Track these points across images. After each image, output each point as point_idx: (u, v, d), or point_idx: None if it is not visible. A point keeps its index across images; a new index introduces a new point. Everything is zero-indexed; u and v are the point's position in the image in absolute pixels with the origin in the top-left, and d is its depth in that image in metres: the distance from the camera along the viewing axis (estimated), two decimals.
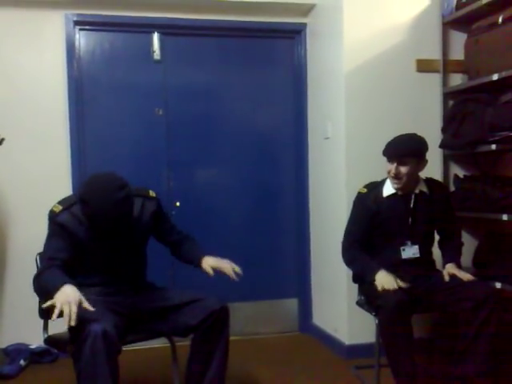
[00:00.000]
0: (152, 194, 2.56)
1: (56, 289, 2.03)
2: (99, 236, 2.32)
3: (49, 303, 2.01)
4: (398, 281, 2.54)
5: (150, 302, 2.42)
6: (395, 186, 2.75)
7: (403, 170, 2.68)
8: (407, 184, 2.74)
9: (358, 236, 2.82)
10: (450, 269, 2.74)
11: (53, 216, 2.33)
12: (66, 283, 2.06)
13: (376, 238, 2.82)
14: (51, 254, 2.28)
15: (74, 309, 1.97)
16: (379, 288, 2.53)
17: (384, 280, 2.55)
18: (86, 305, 2.03)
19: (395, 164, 2.68)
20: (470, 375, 2.53)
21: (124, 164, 3.61)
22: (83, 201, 2.23)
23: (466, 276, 2.66)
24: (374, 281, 2.59)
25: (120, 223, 2.27)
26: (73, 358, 2.12)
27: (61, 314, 1.98)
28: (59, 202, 2.37)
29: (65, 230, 2.30)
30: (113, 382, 2.07)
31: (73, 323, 1.95)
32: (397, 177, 2.70)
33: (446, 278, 2.70)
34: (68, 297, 1.99)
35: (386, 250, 2.76)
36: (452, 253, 2.87)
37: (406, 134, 2.75)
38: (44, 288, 2.14)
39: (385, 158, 2.78)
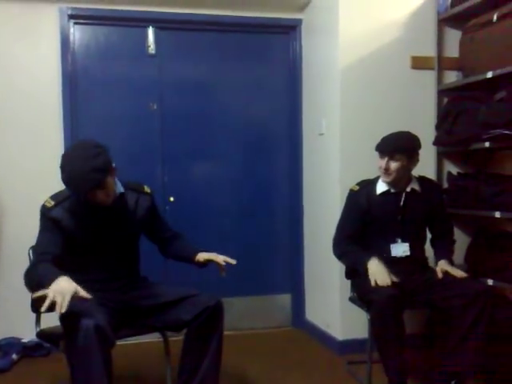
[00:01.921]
0: (147, 189, 2.56)
1: (50, 281, 2.01)
2: (92, 227, 2.32)
3: (40, 293, 1.98)
4: (391, 275, 2.55)
5: (143, 298, 2.42)
6: (385, 179, 2.77)
7: (393, 165, 2.70)
8: (397, 180, 2.75)
9: (349, 233, 2.84)
10: (443, 266, 2.75)
11: (45, 211, 2.32)
12: (60, 275, 2.04)
13: (368, 235, 2.83)
14: (43, 248, 2.27)
15: (68, 297, 1.93)
16: (372, 283, 2.54)
17: (377, 273, 2.56)
18: (83, 293, 2.01)
19: (386, 159, 2.71)
20: (462, 371, 2.55)
21: (118, 158, 3.53)
22: (61, 168, 2.20)
23: (458, 273, 2.67)
24: (367, 270, 2.59)
25: (95, 195, 2.21)
26: (66, 353, 2.11)
27: (51, 308, 1.95)
28: (51, 197, 2.36)
29: (57, 224, 2.29)
30: (106, 376, 2.07)
31: (63, 310, 1.91)
32: (387, 172, 2.73)
33: (439, 275, 2.71)
34: (62, 288, 1.97)
35: (377, 247, 2.77)
36: (444, 250, 2.88)
37: (400, 132, 2.77)
38: (37, 281, 2.11)
39: (378, 154, 2.79)
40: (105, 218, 2.37)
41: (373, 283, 2.54)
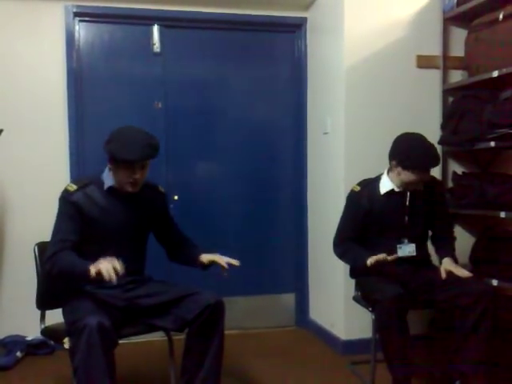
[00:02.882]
0: (161, 189, 2.65)
1: (86, 269, 2.10)
2: (110, 216, 2.37)
3: (93, 272, 2.08)
4: (386, 255, 2.54)
5: (146, 297, 2.42)
6: (410, 189, 2.71)
7: (427, 178, 2.69)
8: None
9: (349, 234, 2.82)
10: (447, 265, 2.72)
11: (67, 195, 2.34)
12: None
13: (372, 235, 2.81)
14: (63, 235, 2.30)
15: (116, 264, 2.08)
16: (372, 264, 2.51)
17: (375, 257, 2.53)
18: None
19: (420, 176, 2.62)
20: (466, 372, 2.54)
21: None
22: (113, 138, 2.32)
23: (463, 273, 2.65)
24: (366, 266, 2.56)
25: (137, 171, 2.31)
26: (69, 353, 2.12)
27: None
28: (73, 182, 2.41)
29: (78, 209, 2.32)
30: (109, 375, 2.08)
31: (119, 273, 2.08)
32: (418, 186, 2.68)
33: (443, 275, 2.68)
34: (107, 262, 2.10)
35: (382, 248, 2.72)
36: (447, 248, 2.85)
37: (426, 143, 2.65)
38: (70, 268, 2.20)
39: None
40: (123, 208, 2.42)
41: (368, 264, 2.52)
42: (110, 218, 2.38)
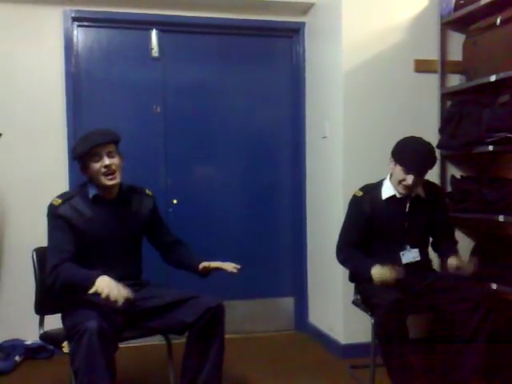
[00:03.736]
0: (149, 192, 2.63)
1: (92, 280, 2.13)
2: (98, 226, 2.37)
3: (93, 290, 2.11)
4: (395, 268, 2.53)
5: (146, 300, 2.42)
6: (404, 192, 2.72)
7: (419, 180, 2.68)
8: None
9: (352, 239, 2.81)
10: (454, 260, 2.67)
11: (53, 209, 2.36)
12: (100, 274, 2.16)
13: (374, 242, 2.81)
14: (60, 247, 2.30)
15: (119, 291, 2.11)
16: (377, 282, 2.52)
17: (381, 273, 2.54)
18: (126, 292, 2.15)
19: (412, 176, 2.62)
20: (466, 376, 2.54)
21: None
22: (80, 138, 2.47)
23: (470, 267, 2.65)
24: (371, 277, 2.57)
25: (104, 155, 2.37)
26: (70, 357, 2.11)
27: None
28: (58, 196, 2.41)
29: (66, 222, 2.33)
30: (110, 379, 2.08)
31: (120, 304, 2.10)
32: (411, 188, 2.68)
33: (452, 269, 2.66)
34: (110, 283, 2.13)
35: (385, 255, 2.72)
36: (450, 250, 2.83)
37: (422, 144, 2.67)
38: (73, 280, 2.21)
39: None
40: (110, 216, 2.42)
41: (379, 282, 2.52)
42: (98, 228, 2.38)
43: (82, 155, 2.37)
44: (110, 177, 2.37)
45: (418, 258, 2.76)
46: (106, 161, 2.35)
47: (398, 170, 2.66)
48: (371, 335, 2.74)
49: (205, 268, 2.50)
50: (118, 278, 2.39)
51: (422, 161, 2.64)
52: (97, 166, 2.35)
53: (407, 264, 2.74)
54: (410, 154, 2.64)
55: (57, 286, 2.25)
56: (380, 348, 2.55)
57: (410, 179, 2.63)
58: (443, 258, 2.87)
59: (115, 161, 2.39)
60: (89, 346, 2.02)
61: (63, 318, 2.34)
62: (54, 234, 2.34)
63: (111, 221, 2.42)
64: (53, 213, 2.35)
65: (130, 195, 2.51)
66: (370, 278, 2.58)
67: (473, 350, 2.50)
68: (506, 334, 2.87)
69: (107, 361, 2.06)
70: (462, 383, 2.55)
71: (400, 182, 2.68)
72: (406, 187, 2.68)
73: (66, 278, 2.23)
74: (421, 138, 2.72)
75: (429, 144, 2.70)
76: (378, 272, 2.55)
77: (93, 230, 2.37)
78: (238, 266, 2.47)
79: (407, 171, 2.63)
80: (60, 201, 2.37)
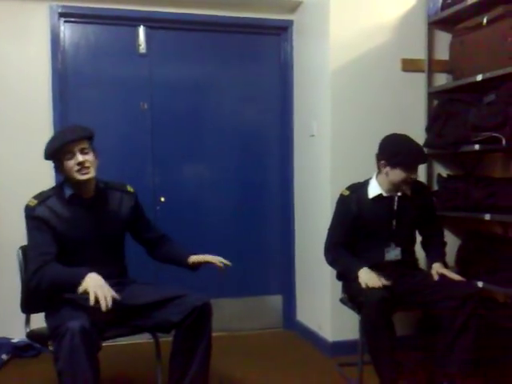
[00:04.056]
0: (130, 188, 2.58)
1: (80, 278, 2.11)
2: (76, 226, 2.34)
3: (81, 290, 2.10)
4: (382, 278, 2.56)
5: (132, 299, 2.39)
6: (404, 190, 2.75)
7: (415, 176, 2.71)
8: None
9: (340, 238, 2.82)
10: (439, 268, 2.75)
11: (29, 210, 2.32)
12: (88, 272, 2.14)
13: (360, 239, 2.82)
14: (41, 249, 2.26)
15: (109, 292, 2.08)
16: (363, 285, 2.55)
17: (367, 277, 2.56)
18: (113, 293, 2.12)
19: (408, 173, 2.66)
20: (452, 373, 2.56)
21: (108, 158, 3.53)
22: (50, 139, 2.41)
23: (456, 277, 2.68)
24: (357, 278, 2.59)
25: (77, 152, 2.33)
26: (53, 357, 2.09)
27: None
28: (34, 197, 2.36)
29: (44, 223, 2.29)
30: (93, 379, 2.06)
31: (109, 305, 2.06)
32: (409, 183, 2.71)
33: (435, 277, 2.71)
34: (98, 282, 2.11)
35: (370, 252, 2.76)
36: (437, 252, 2.88)
37: (413, 141, 2.72)
38: (62, 281, 2.19)
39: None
40: (88, 216, 2.38)
41: (363, 286, 2.54)
42: (76, 229, 2.34)
43: (53, 154, 2.32)
44: (82, 172, 2.32)
45: (399, 257, 2.79)
46: (80, 157, 2.30)
47: (398, 172, 2.67)
48: (359, 333, 2.75)
49: (193, 263, 2.49)
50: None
51: (420, 157, 2.70)
52: (70, 163, 2.30)
53: (391, 261, 2.76)
54: (408, 152, 2.66)
55: (43, 288, 2.22)
56: (367, 345, 2.57)
57: (414, 175, 2.68)
58: (429, 261, 2.90)
59: (88, 157, 2.34)
60: (71, 346, 2.00)
61: (46, 318, 2.33)
62: (34, 235, 2.30)
63: (89, 221, 2.38)
64: (30, 214, 2.31)
65: (109, 193, 2.47)
66: (356, 280, 2.60)
67: (460, 348, 2.52)
68: (492, 331, 2.89)
69: (90, 361, 2.04)
70: (450, 380, 2.57)
71: (404, 181, 2.69)
72: (409, 183, 2.71)
73: (51, 278, 2.20)
74: (403, 135, 2.74)
75: (411, 138, 2.74)
76: (365, 277, 2.57)
77: (71, 231, 2.33)
78: (228, 262, 2.47)
79: (408, 170, 2.65)
80: (36, 201, 2.32)
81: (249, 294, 3.97)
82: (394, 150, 2.68)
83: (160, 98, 3.77)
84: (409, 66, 3.46)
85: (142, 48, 3.72)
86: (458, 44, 3.31)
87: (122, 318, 2.39)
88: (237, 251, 3.83)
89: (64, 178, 2.39)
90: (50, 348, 2.18)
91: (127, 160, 3.68)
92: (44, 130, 3.50)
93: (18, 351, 3.37)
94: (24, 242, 2.51)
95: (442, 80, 3.53)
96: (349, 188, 2.87)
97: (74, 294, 2.17)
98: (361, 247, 2.82)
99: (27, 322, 2.48)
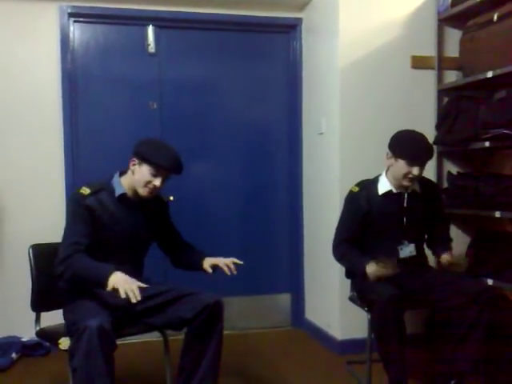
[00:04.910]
0: (164, 198, 2.68)
1: (105, 275, 2.14)
2: (120, 223, 2.40)
3: (110, 287, 2.12)
4: (388, 266, 2.54)
5: (146, 297, 2.41)
6: (407, 185, 2.72)
7: (421, 172, 2.68)
8: None
9: (348, 235, 2.81)
10: (447, 256, 2.75)
11: (80, 198, 2.35)
12: (113, 270, 2.17)
13: (370, 237, 2.81)
14: (76, 238, 2.29)
15: (135, 286, 2.09)
16: (372, 278, 2.54)
17: (376, 269, 2.55)
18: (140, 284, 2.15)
19: (417, 167, 2.63)
20: (462, 371, 2.55)
21: (117, 157, 3.54)
22: (156, 150, 2.43)
23: (462, 264, 2.68)
24: (365, 275, 2.58)
25: (177, 168, 2.45)
26: (69, 354, 2.11)
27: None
28: (87, 186, 2.40)
29: (90, 213, 2.33)
30: (108, 378, 2.07)
31: (138, 298, 2.08)
32: (416, 178, 2.69)
33: (444, 265, 2.73)
34: (126, 280, 2.13)
35: (382, 250, 2.71)
36: (444, 246, 2.85)
37: (420, 136, 2.70)
38: (85, 272, 2.21)
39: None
40: (130, 216, 2.44)
41: (373, 278, 2.54)
42: (118, 225, 2.40)
43: (152, 162, 2.37)
44: (150, 192, 2.40)
45: (414, 253, 2.77)
46: (158, 183, 2.38)
47: (401, 164, 2.65)
48: (367, 331, 2.74)
49: (206, 269, 2.52)
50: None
51: (424, 151, 2.67)
52: (149, 178, 2.37)
53: (404, 259, 2.74)
54: (413, 146, 2.66)
55: (67, 276, 2.25)
56: (377, 344, 2.55)
57: (416, 170, 2.63)
58: (437, 254, 2.88)
59: (162, 186, 2.43)
60: (88, 344, 2.01)
61: (65, 312, 2.35)
62: (74, 224, 2.34)
63: (129, 222, 2.44)
64: (80, 202, 2.34)
65: (151, 200, 2.52)
66: (365, 276, 2.59)
67: (469, 346, 2.51)
68: (502, 329, 2.87)
69: (106, 360, 2.05)
70: (459, 379, 2.56)
71: (405, 175, 2.67)
72: (411, 180, 2.68)
73: (78, 270, 2.23)
74: (415, 131, 2.73)
75: (423, 135, 2.72)
76: (373, 269, 2.56)
77: (111, 226, 2.38)
78: (240, 262, 2.48)
79: (411, 163, 2.63)
80: (89, 191, 2.36)
81: (257, 293, 3.97)
82: (400, 142, 2.69)
83: (169, 97, 3.78)
84: (419, 63, 3.44)
85: (151, 47, 3.73)
86: (469, 41, 3.28)
87: (134, 316, 2.40)
88: (245, 250, 3.82)
89: (126, 176, 2.45)
90: (60, 347, 2.19)
91: None
92: (54, 130, 3.54)
93: (28, 350, 3.39)
94: (34, 241, 2.54)
95: (452, 77, 3.51)
96: (358, 184, 2.86)
97: (101, 290, 2.19)
98: (373, 245, 2.79)
99: (37, 320, 2.49)
